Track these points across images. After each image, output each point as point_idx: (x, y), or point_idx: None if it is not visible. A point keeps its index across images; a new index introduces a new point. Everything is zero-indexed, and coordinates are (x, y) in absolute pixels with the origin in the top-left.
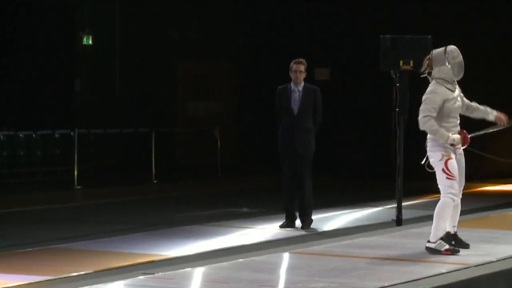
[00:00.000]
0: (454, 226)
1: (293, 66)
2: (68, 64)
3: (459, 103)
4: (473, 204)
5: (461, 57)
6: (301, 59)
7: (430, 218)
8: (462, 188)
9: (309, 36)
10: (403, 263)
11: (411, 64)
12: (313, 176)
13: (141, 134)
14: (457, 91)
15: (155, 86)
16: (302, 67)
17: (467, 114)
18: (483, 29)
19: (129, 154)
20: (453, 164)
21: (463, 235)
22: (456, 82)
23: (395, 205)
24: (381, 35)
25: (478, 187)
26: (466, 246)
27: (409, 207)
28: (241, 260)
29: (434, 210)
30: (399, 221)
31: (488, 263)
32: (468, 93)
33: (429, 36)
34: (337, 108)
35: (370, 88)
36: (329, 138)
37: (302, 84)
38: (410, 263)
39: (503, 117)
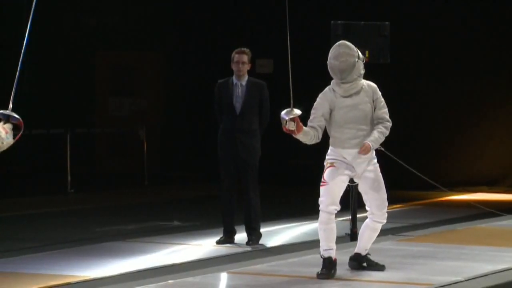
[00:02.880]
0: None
1: (235, 56)
2: None
3: None
4: (439, 215)
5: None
6: (244, 48)
7: (388, 232)
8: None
9: (249, 21)
10: (356, 284)
11: (367, 55)
12: (259, 184)
13: (54, 136)
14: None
15: (70, 80)
16: (246, 58)
17: None
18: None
19: (40, 160)
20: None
21: (428, 251)
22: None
23: (349, 217)
24: (331, 21)
25: (444, 196)
26: (381, 268)
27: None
28: (171, 281)
29: (393, 222)
30: (353, 236)
31: (456, 283)
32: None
33: (387, 22)
34: (281, 105)
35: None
36: (273, 141)
37: (246, 77)
38: (364, 284)
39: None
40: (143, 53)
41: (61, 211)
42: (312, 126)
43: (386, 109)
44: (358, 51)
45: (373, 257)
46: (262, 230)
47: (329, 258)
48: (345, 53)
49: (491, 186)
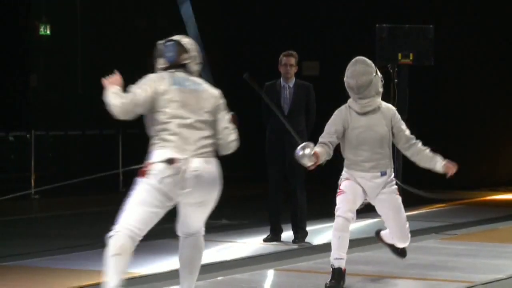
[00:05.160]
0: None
1: (283, 59)
2: (23, 57)
3: None
4: (481, 214)
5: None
6: (291, 51)
7: (431, 230)
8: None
9: (296, 25)
10: (399, 281)
11: (411, 58)
12: (306, 184)
13: (107, 136)
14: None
15: (123, 81)
16: (293, 60)
17: None
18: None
19: (93, 159)
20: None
21: (470, 249)
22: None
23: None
24: (377, 24)
25: (487, 196)
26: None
27: (408, 218)
28: (221, 278)
29: (436, 221)
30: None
31: (498, 280)
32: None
33: (431, 26)
34: (328, 107)
35: None
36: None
37: (293, 79)
38: (407, 280)
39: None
40: None
41: (113, 209)
42: (324, 142)
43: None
44: (376, 67)
45: (417, 255)
46: (308, 228)
47: (339, 269)
48: (362, 70)
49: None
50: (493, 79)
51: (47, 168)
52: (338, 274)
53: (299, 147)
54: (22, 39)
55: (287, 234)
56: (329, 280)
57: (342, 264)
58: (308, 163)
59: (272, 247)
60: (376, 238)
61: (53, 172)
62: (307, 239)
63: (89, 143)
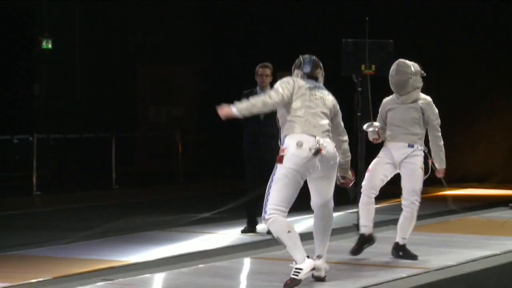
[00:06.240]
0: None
1: (259, 70)
2: (27, 68)
3: None
4: (433, 208)
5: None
6: (267, 63)
7: (390, 222)
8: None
9: (273, 39)
10: (364, 268)
11: (373, 69)
12: None
13: (101, 139)
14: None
15: (116, 90)
16: (268, 71)
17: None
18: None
19: (89, 160)
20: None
21: (426, 239)
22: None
23: (356, 209)
24: (343, 39)
25: (438, 192)
26: (414, 257)
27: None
28: (202, 265)
29: (396, 214)
30: (358, 226)
31: (449, 267)
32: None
33: (391, 40)
34: None
35: (333, 92)
36: None
37: (268, 88)
38: (372, 268)
39: None
40: (179, 67)
41: (106, 205)
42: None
43: (439, 120)
44: (415, 67)
45: (376, 244)
46: None
47: (363, 235)
48: (399, 71)
49: (481, 182)
50: (448, 85)
51: (48, 168)
52: (360, 239)
53: (367, 123)
54: (26, 52)
55: (263, 226)
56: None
57: (366, 231)
58: (372, 136)
59: (248, 237)
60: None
61: (53, 171)
62: None
63: (86, 145)
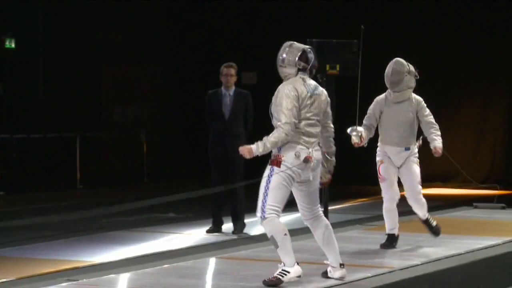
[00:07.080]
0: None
1: (224, 70)
2: None
3: None
4: (399, 207)
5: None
6: (231, 63)
7: (356, 222)
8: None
9: (236, 39)
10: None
11: (337, 69)
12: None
13: (66, 139)
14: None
15: (80, 90)
16: (233, 71)
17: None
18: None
19: (53, 160)
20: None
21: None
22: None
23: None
24: (307, 39)
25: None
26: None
27: (335, 211)
28: (167, 265)
29: (360, 213)
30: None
31: (413, 266)
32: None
33: (355, 41)
34: (265, 112)
35: None
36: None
37: (233, 88)
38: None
39: None
40: (142, 67)
41: (71, 205)
42: (367, 125)
43: (432, 115)
44: (410, 67)
45: (343, 244)
46: (246, 220)
47: (392, 234)
48: (395, 69)
49: (445, 182)
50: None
51: (12, 168)
52: (390, 238)
53: (351, 128)
54: None
55: (228, 226)
56: (383, 241)
57: (394, 231)
58: (355, 140)
59: (214, 237)
60: (420, 221)
61: (17, 171)
62: (245, 230)
63: (50, 145)
